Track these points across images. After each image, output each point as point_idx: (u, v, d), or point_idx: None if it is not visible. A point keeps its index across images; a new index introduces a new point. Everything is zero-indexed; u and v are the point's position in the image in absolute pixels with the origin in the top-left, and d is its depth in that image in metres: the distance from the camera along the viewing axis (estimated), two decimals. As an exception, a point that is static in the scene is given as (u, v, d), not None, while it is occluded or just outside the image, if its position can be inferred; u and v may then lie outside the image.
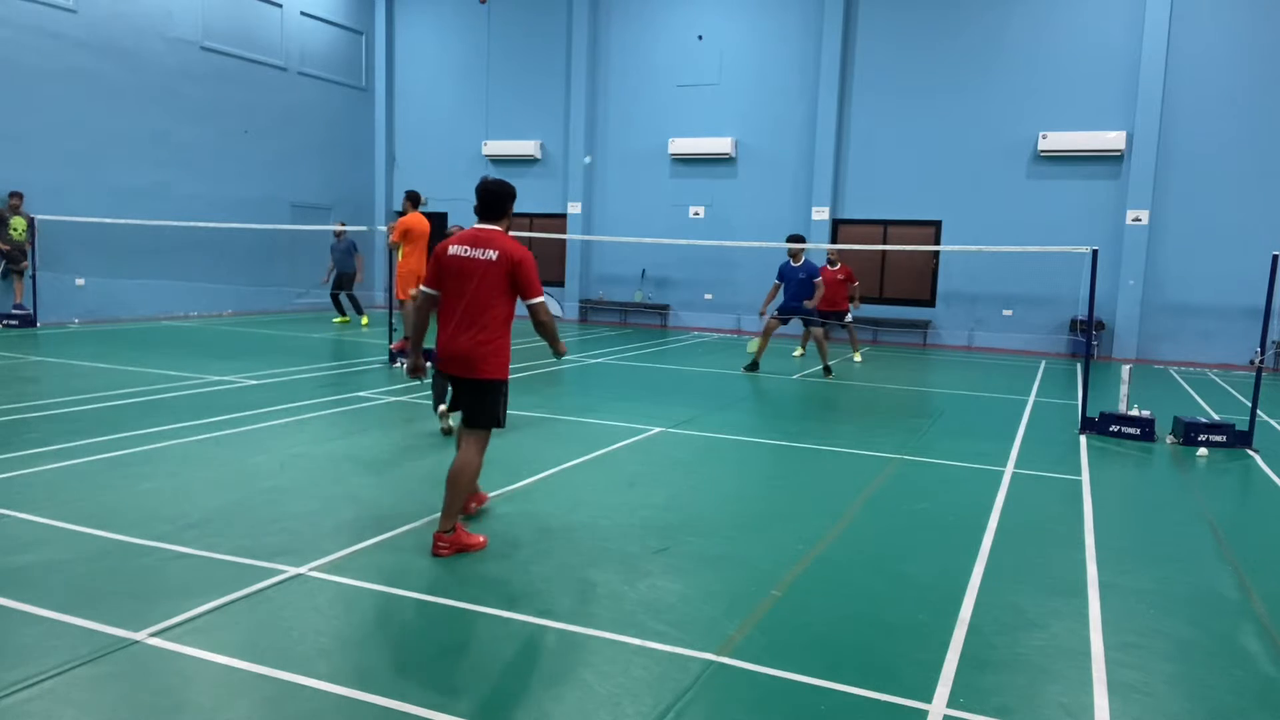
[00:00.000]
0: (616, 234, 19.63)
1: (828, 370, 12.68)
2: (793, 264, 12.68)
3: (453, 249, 4.78)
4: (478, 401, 4.87)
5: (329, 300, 18.20)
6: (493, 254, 4.71)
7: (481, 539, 4.90)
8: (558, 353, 5.26)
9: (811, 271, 12.62)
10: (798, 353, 15.32)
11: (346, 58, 21.71)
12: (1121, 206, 16.35)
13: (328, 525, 5.30)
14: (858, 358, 14.68)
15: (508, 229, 4.93)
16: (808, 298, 12.55)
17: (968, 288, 17.65)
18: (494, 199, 4.83)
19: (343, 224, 17.45)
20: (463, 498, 4.84)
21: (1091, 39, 16.40)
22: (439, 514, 5.00)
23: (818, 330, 12.98)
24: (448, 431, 7.52)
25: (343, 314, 17.43)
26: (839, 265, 14.44)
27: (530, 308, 4.86)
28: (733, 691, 3.39)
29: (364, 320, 17.14)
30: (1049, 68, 16.68)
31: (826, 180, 18.23)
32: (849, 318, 14.63)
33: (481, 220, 4.87)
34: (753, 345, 13.00)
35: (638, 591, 4.31)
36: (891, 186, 17.96)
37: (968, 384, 12.47)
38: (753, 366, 12.85)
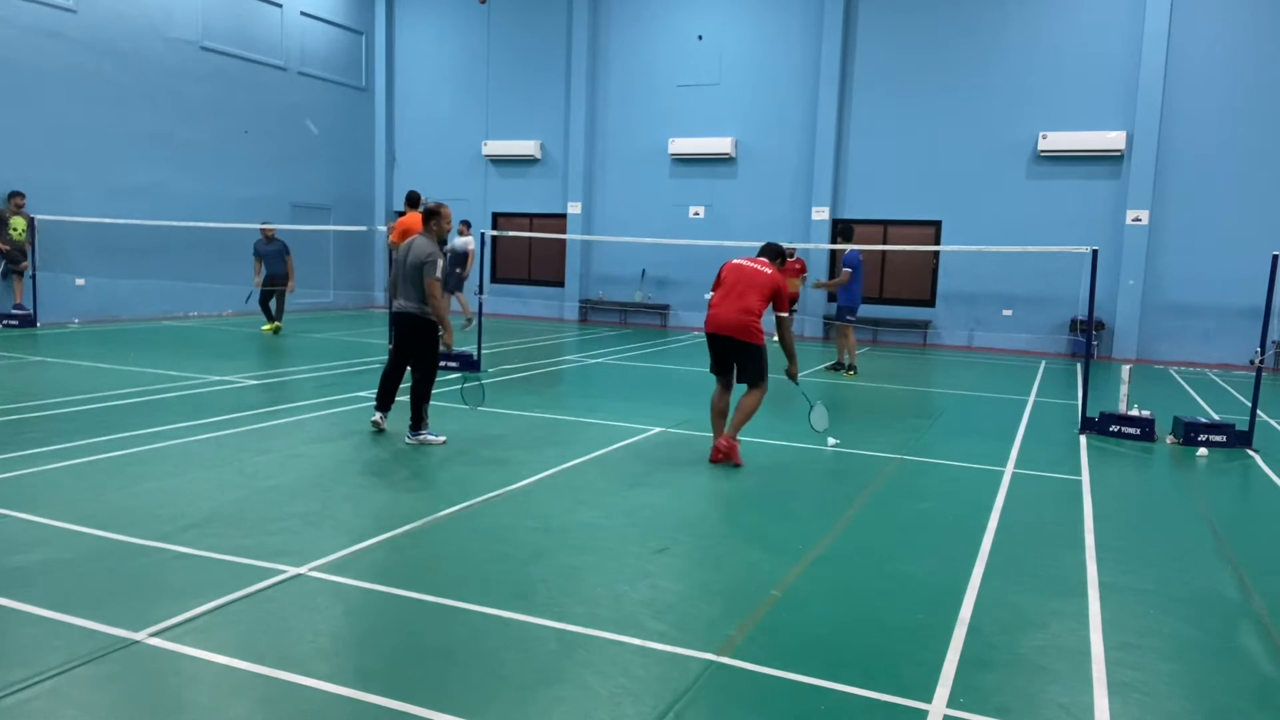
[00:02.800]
0: (616, 234, 19.62)
1: (851, 369, 12.76)
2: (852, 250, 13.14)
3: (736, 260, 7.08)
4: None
5: (307, 303, 17.76)
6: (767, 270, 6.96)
7: (740, 461, 6.85)
8: (790, 371, 7.25)
9: (851, 259, 12.94)
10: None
11: (346, 58, 21.71)
12: (1121, 206, 16.35)
13: (328, 525, 5.30)
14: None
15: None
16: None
17: (968, 288, 17.65)
18: (773, 253, 7.21)
19: (269, 224, 15.64)
20: (745, 420, 6.90)
21: (1091, 39, 16.41)
22: (438, 514, 5.00)
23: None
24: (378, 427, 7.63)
25: (271, 319, 15.42)
26: (794, 255, 15.52)
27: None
28: (733, 691, 3.39)
29: (276, 326, 15.35)
30: (1049, 68, 16.68)
31: (826, 180, 18.23)
32: (794, 307, 15.22)
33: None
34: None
35: (638, 591, 4.31)
36: (891, 186, 17.96)
37: (968, 384, 12.47)
38: (851, 369, 12.89)
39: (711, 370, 7.14)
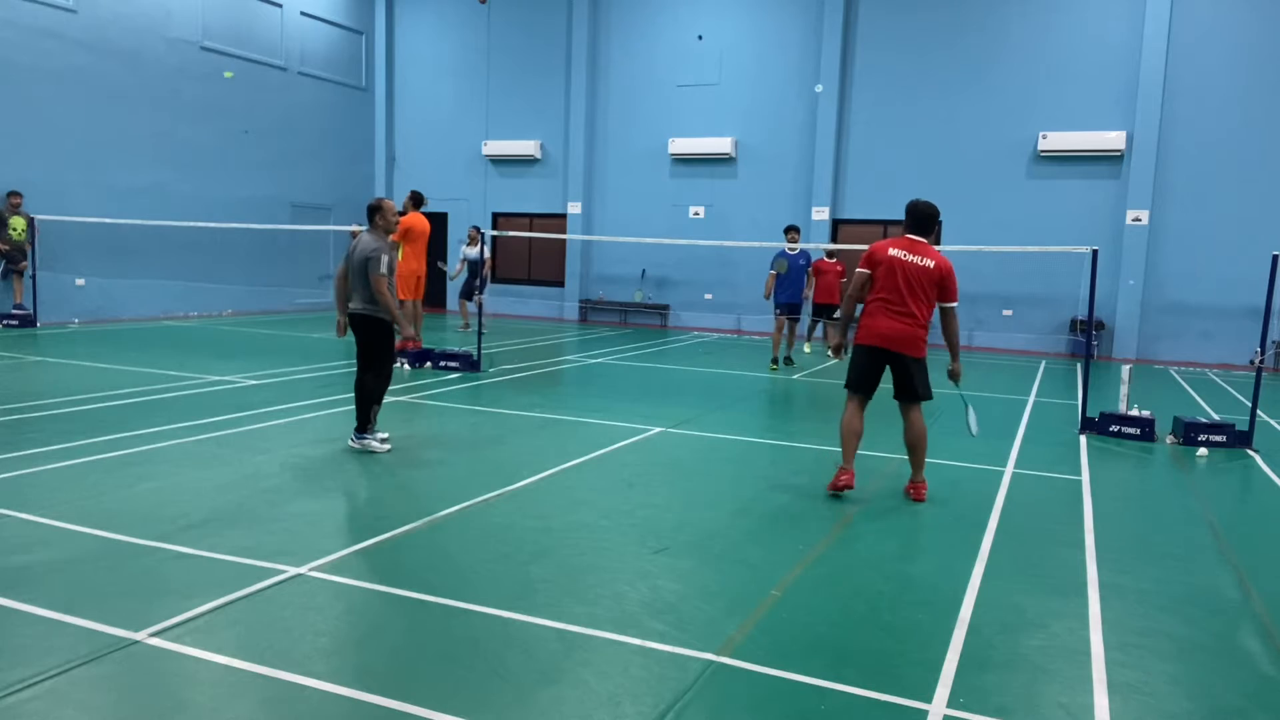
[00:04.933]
0: (616, 234, 19.62)
1: (789, 360, 13.40)
2: (789, 250, 12.94)
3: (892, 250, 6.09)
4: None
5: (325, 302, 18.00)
6: (929, 262, 6.02)
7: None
8: (953, 372, 6.49)
9: (808, 259, 13.34)
10: (806, 348, 15.47)
11: (346, 58, 21.70)
12: (1121, 206, 16.35)
13: (328, 525, 5.30)
14: (808, 349, 15.29)
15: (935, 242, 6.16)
16: (804, 286, 13.25)
17: (967, 288, 17.45)
18: (926, 219, 6.21)
19: (358, 226, 16.40)
20: (924, 452, 6.23)
21: (1091, 39, 16.41)
22: (438, 514, 4.99)
23: (795, 321, 13.60)
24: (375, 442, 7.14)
25: None
26: (836, 259, 14.84)
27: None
28: (733, 691, 3.39)
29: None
30: (1049, 68, 16.68)
31: (826, 180, 18.23)
32: (837, 313, 14.66)
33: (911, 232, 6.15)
34: (808, 346, 13.66)
35: (638, 591, 4.31)
36: (891, 186, 17.94)
37: (967, 384, 12.35)
38: (776, 362, 13.27)
39: (850, 387, 6.29)
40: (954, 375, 6.40)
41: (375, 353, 7.08)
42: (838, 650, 3.77)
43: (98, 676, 3.31)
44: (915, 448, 6.16)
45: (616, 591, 4.30)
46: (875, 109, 18.00)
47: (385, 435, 7.10)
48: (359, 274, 6.96)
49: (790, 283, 12.97)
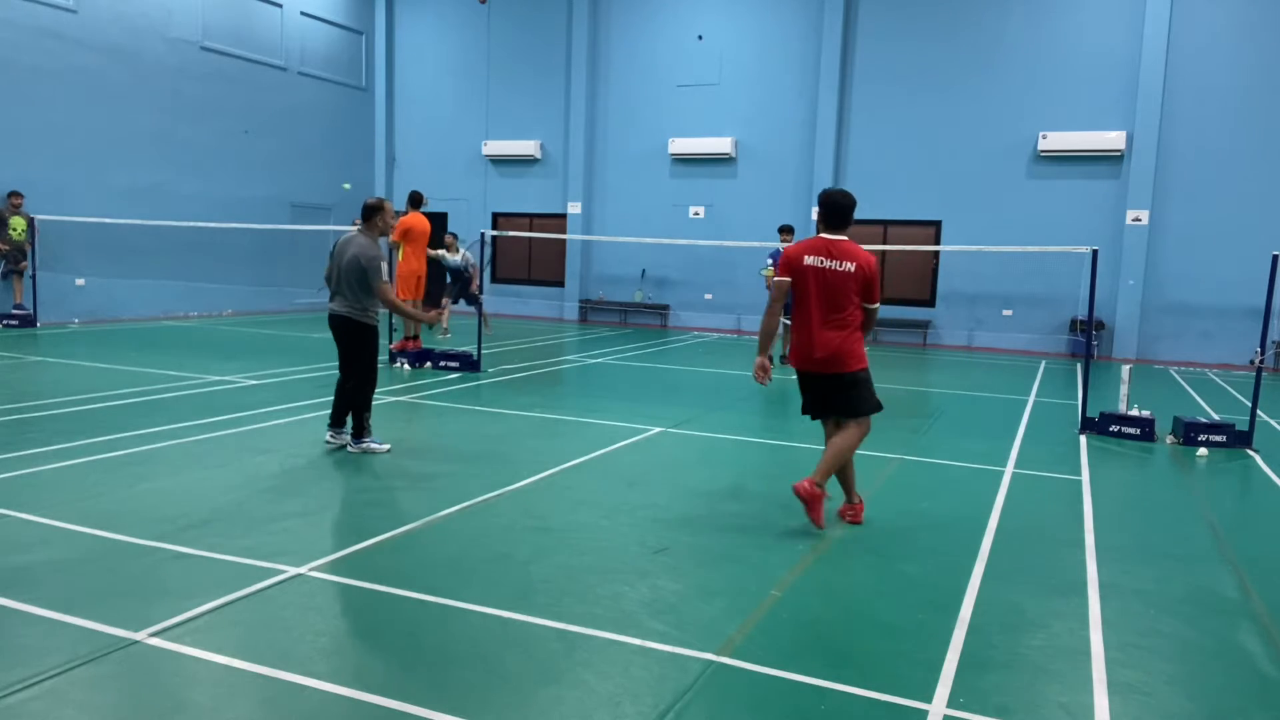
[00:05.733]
0: (616, 234, 19.62)
1: (785, 359, 13.05)
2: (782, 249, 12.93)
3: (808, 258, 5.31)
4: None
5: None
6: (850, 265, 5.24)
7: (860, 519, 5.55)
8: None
9: None
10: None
11: (346, 58, 21.70)
12: (1121, 206, 16.35)
13: (327, 525, 5.30)
14: None
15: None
16: None
17: (968, 288, 17.65)
18: (842, 211, 5.32)
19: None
20: (839, 466, 5.43)
21: (1091, 39, 16.40)
22: (438, 514, 5.00)
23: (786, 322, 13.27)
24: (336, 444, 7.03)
25: None
26: None
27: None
28: (733, 691, 3.39)
29: None
30: (1049, 68, 16.68)
31: (826, 180, 18.21)
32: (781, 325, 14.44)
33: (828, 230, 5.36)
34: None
35: (638, 591, 4.31)
36: (891, 186, 17.95)
37: (968, 384, 12.47)
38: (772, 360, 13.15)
39: (805, 412, 5.66)
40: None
41: (357, 357, 6.86)
42: (838, 650, 3.77)
43: (98, 676, 3.31)
44: (832, 453, 5.36)
45: (616, 591, 4.30)
46: (875, 109, 18.00)
47: (346, 441, 6.95)
48: (350, 278, 6.70)
49: None
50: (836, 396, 5.42)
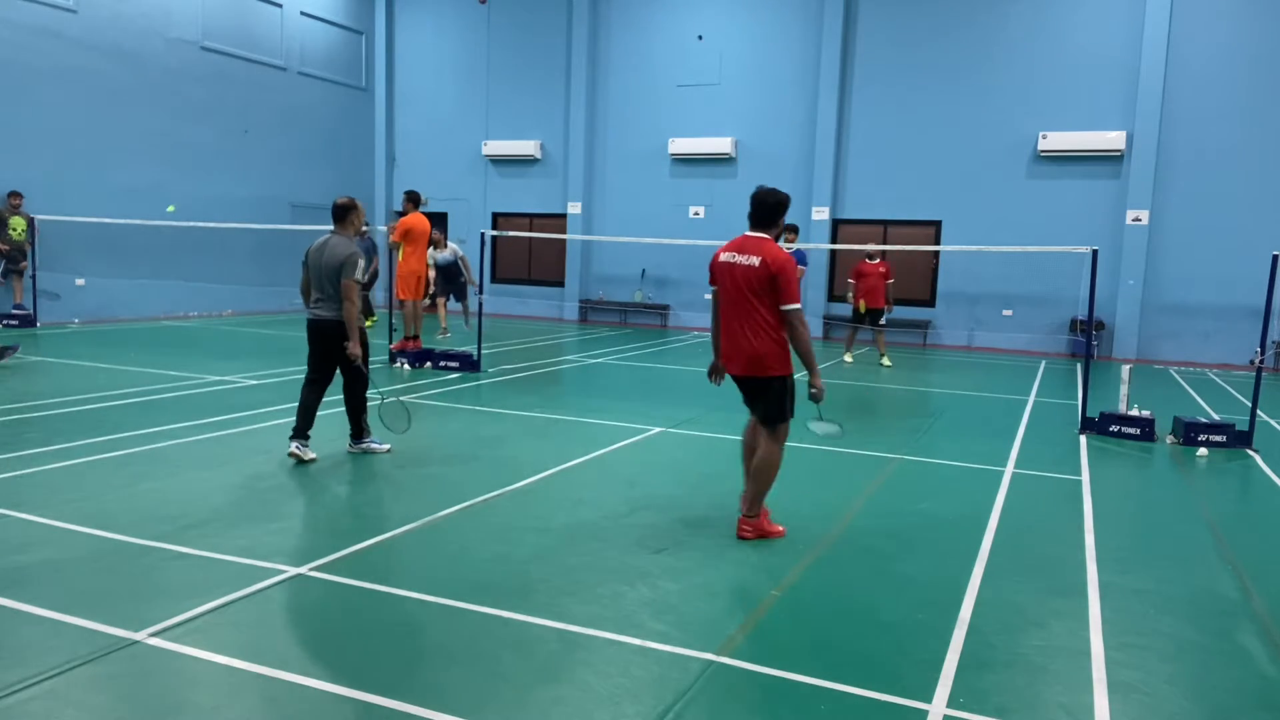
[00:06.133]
0: (616, 234, 19.62)
1: None
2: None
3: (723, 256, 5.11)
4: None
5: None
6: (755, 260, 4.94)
7: (781, 529, 5.21)
8: (813, 394, 5.07)
9: (800, 258, 13.02)
10: (847, 358, 14.44)
11: (346, 58, 21.70)
12: (1121, 206, 16.35)
13: (327, 525, 5.31)
14: (886, 362, 13.84)
15: (777, 237, 5.18)
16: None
17: (968, 288, 17.65)
18: (767, 211, 5.09)
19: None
20: (766, 488, 5.14)
21: (1091, 39, 16.40)
22: (438, 514, 5.00)
23: None
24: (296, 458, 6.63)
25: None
26: (879, 259, 13.93)
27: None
28: (733, 691, 3.39)
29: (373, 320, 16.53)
30: (1049, 67, 16.68)
31: (826, 180, 18.23)
32: (884, 319, 14.07)
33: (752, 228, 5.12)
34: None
35: (638, 591, 4.31)
36: (891, 186, 17.96)
37: (968, 384, 12.47)
38: None
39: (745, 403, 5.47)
40: (814, 397, 5.03)
41: (345, 359, 6.61)
42: (838, 650, 3.77)
43: (98, 676, 3.31)
44: (755, 474, 5.15)
45: (616, 591, 4.30)
46: (875, 109, 18.00)
47: (314, 456, 6.62)
48: (330, 279, 6.46)
49: None
50: (751, 400, 5.21)
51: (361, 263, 6.52)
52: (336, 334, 6.56)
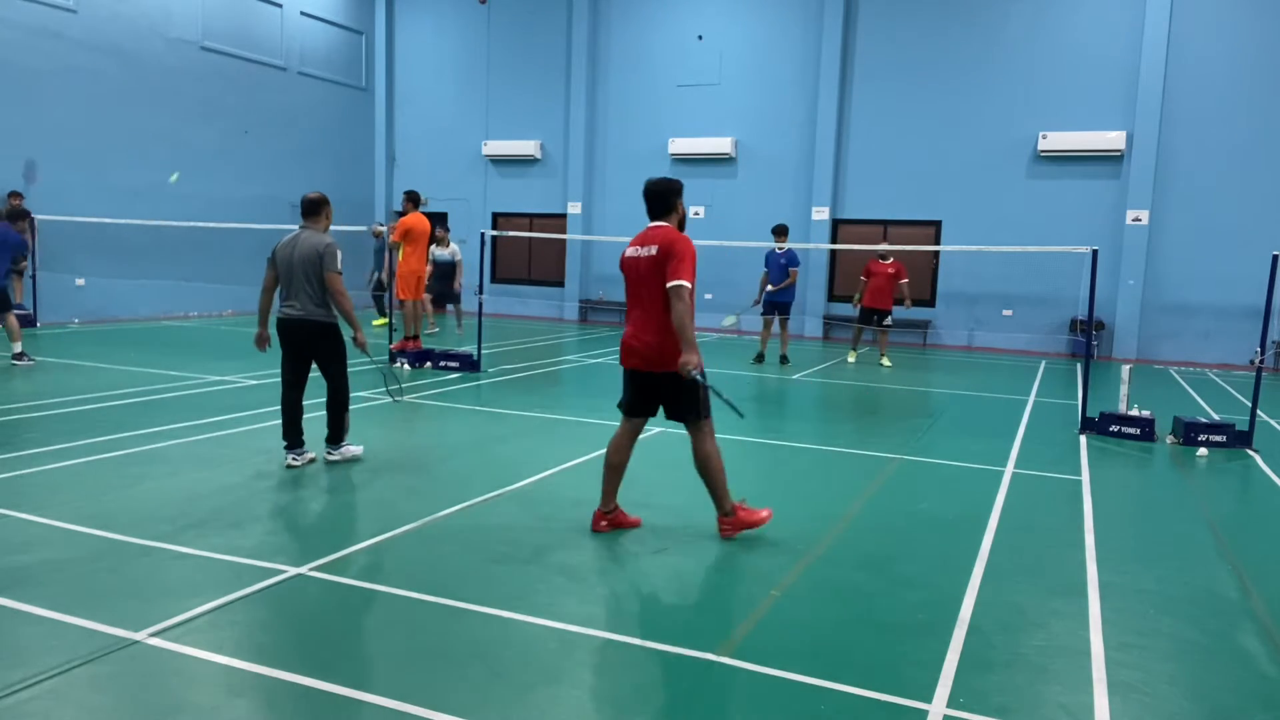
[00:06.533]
0: (616, 234, 19.60)
1: (784, 359, 13.37)
2: (776, 250, 13.04)
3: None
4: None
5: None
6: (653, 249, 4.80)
7: (766, 512, 5.10)
8: (682, 363, 4.74)
9: (791, 259, 13.19)
10: (850, 357, 14.56)
11: (346, 58, 21.70)
12: (1121, 206, 16.35)
13: (327, 525, 5.31)
14: (886, 362, 13.88)
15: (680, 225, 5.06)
16: (786, 283, 13.14)
17: (968, 288, 17.65)
18: (663, 196, 5.03)
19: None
20: (720, 483, 4.99)
21: (1091, 39, 16.40)
22: (438, 514, 4.99)
23: (783, 319, 13.43)
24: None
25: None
26: (890, 260, 13.90)
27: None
28: (733, 691, 3.39)
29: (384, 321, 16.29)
30: (1049, 67, 16.68)
31: (826, 180, 18.23)
32: (890, 320, 14.07)
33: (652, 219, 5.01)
34: (728, 320, 13.08)
35: (638, 591, 4.31)
36: (891, 186, 17.96)
37: (968, 384, 12.47)
38: (759, 358, 13.50)
39: (620, 407, 5.27)
40: (683, 372, 4.71)
41: (328, 360, 6.46)
42: (838, 650, 3.77)
43: (98, 676, 3.31)
44: (702, 477, 5.06)
45: (616, 591, 4.31)
46: (875, 109, 18.00)
47: (311, 456, 6.52)
48: (310, 272, 6.23)
49: (772, 282, 13.24)
50: (666, 398, 4.97)
51: (340, 254, 6.34)
52: (313, 332, 6.36)
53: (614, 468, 5.20)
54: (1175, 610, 4.37)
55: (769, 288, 13.27)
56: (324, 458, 6.57)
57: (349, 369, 6.70)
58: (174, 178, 15.58)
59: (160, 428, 7.43)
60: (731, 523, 5.08)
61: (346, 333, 6.55)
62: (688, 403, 4.91)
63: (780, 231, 13.25)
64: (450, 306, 16.44)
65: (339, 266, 6.29)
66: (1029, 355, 16.63)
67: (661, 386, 4.94)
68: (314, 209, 6.58)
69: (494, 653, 3.63)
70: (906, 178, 17.83)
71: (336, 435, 6.59)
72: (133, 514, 5.15)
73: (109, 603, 3.93)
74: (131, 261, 16.59)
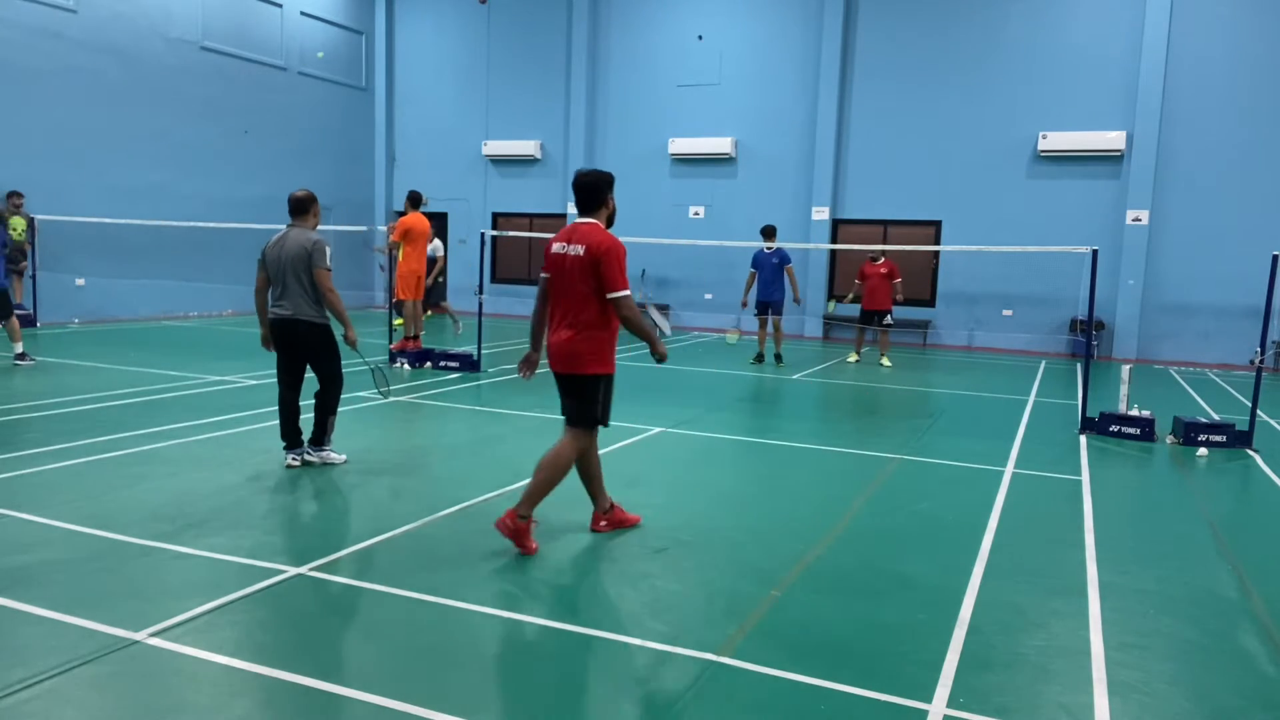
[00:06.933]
0: (617, 234, 19.53)
1: (779, 358, 13.28)
2: (765, 250, 12.97)
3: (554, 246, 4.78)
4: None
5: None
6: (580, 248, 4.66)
7: (533, 545, 4.78)
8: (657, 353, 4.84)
9: (784, 258, 13.13)
10: (853, 358, 14.46)
11: (346, 58, 21.70)
12: (1121, 206, 16.35)
13: (327, 525, 5.31)
14: (886, 362, 13.90)
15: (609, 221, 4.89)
16: (780, 285, 13.05)
17: (968, 288, 17.65)
18: (593, 189, 4.80)
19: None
20: (549, 488, 4.78)
21: (1091, 39, 16.40)
22: (438, 514, 4.99)
23: (776, 319, 13.34)
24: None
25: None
26: (882, 260, 13.95)
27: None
28: (733, 691, 3.39)
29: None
30: (1049, 67, 16.68)
31: (826, 180, 18.23)
32: (890, 319, 14.07)
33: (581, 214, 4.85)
34: (731, 338, 13.24)
35: (638, 591, 4.31)
36: (891, 186, 17.96)
37: (968, 384, 12.47)
38: (759, 358, 13.45)
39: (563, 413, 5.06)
40: (660, 359, 4.86)
41: (320, 360, 6.38)
42: (838, 650, 3.77)
43: (98, 676, 3.31)
44: (542, 471, 4.81)
45: (616, 591, 4.30)
46: (875, 109, 18.00)
47: (343, 457, 6.55)
48: (301, 270, 6.16)
49: (764, 282, 13.17)
50: (565, 398, 4.89)
51: (329, 250, 6.25)
52: (305, 332, 6.28)
53: (590, 478, 5.09)
54: (1175, 610, 4.37)
55: (795, 294, 13.25)
56: (303, 456, 6.43)
57: (344, 369, 6.67)
58: (320, 55, 15.48)
59: (160, 428, 7.43)
60: (521, 528, 4.73)
61: (339, 331, 6.50)
62: (585, 405, 4.80)
63: (769, 233, 13.28)
64: (444, 303, 16.52)
65: (328, 263, 6.21)
66: (1029, 355, 16.63)
67: (567, 385, 4.84)
68: (301, 207, 6.48)
69: (493, 653, 3.63)
70: (906, 178, 17.83)
71: (320, 436, 6.48)
72: (133, 514, 5.15)
73: (109, 603, 3.93)
74: (131, 261, 16.59)
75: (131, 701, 3.17)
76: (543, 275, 4.91)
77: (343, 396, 6.69)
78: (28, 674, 3.28)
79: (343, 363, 6.61)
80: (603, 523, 5.17)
